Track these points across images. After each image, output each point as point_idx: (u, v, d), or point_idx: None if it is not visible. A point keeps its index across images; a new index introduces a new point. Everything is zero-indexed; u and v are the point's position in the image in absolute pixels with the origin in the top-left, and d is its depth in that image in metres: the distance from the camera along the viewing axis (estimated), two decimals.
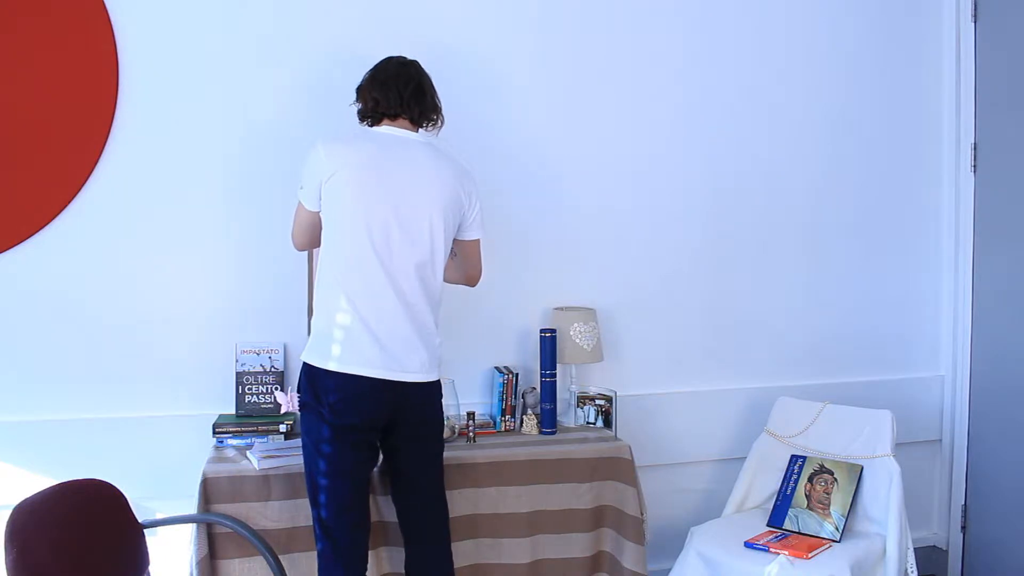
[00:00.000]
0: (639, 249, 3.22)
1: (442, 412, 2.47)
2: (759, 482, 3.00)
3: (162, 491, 2.69)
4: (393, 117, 2.40)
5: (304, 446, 2.33)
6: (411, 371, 2.31)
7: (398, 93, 2.38)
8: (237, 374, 2.82)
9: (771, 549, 2.58)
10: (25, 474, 2.66)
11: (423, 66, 2.47)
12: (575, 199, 3.14)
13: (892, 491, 2.72)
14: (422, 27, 2.92)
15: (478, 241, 2.53)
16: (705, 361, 3.33)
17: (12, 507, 2.00)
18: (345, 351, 2.25)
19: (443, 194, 2.36)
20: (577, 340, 2.97)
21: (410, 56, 2.48)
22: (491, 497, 2.66)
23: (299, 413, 2.37)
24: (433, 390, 2.41)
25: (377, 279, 2.27)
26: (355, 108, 2.48)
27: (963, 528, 3.44)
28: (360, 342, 2.25)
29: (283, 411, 2.76)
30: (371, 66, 2.46)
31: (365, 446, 2.33)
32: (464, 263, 2.57)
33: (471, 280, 2.63)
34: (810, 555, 2.53)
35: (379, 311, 2.27)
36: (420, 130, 2.44)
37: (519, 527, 2.67)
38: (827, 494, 2.80)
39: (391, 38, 2.88)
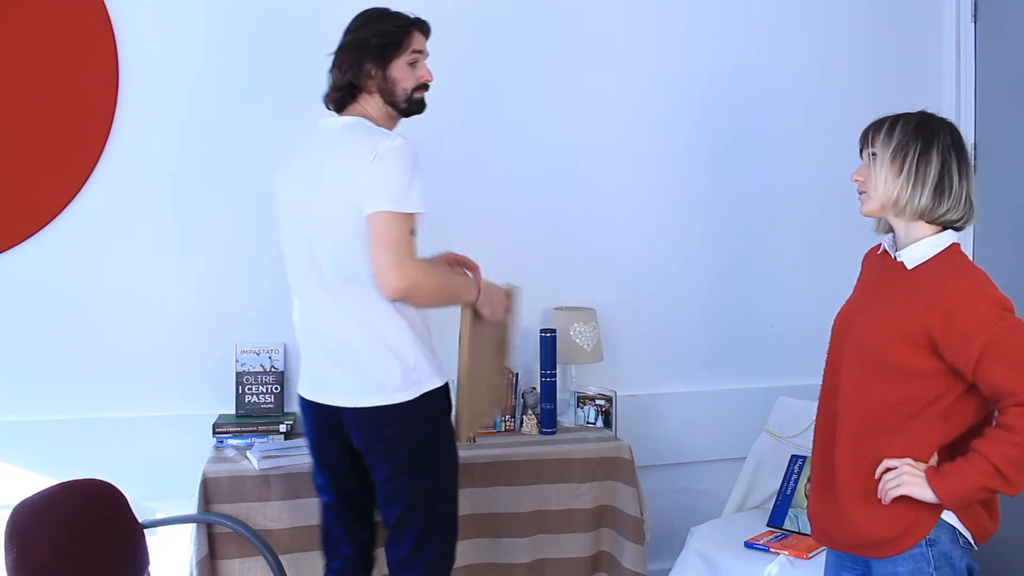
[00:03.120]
0: (639, 249, 3.22)
1: (400, 443, 2.03)
2: (759, 482, 3.00)
3: (162, 491, 2.69)
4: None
5: None
6: (332, 394, 2.07)
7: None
8: (237, 374, 2.82)
9: (771, 549, 2.58)
10: (25, 474, 2.66)
11: None
12: (575, 199, 3.14)
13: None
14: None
15: (380, 216, 1.91)
16: (705, 361, 3.32)
17: (12, 507, 2.00)
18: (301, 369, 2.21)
19: (344, 189, 1.97)
20: (577, 340, 2.97)
21: None
22: (491, 497, 2.66)
23: None
24: (376, 417, 2.02)
25: (297, 304, 2.17)
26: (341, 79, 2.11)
27: None
28: (303, 361, 2.19)
29: None
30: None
31: (328, 461, 2.17)
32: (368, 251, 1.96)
33: (375, 278, 1.93)
34: (810, 555, 2.53)
35: (301, 334, 2.18)
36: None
37: (519, 527, 2.67)
38: None
39: None
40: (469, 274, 2.26)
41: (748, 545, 2.62)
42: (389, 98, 2.09)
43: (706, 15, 3.24)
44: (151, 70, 2.75)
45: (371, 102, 2.10)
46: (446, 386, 2.10)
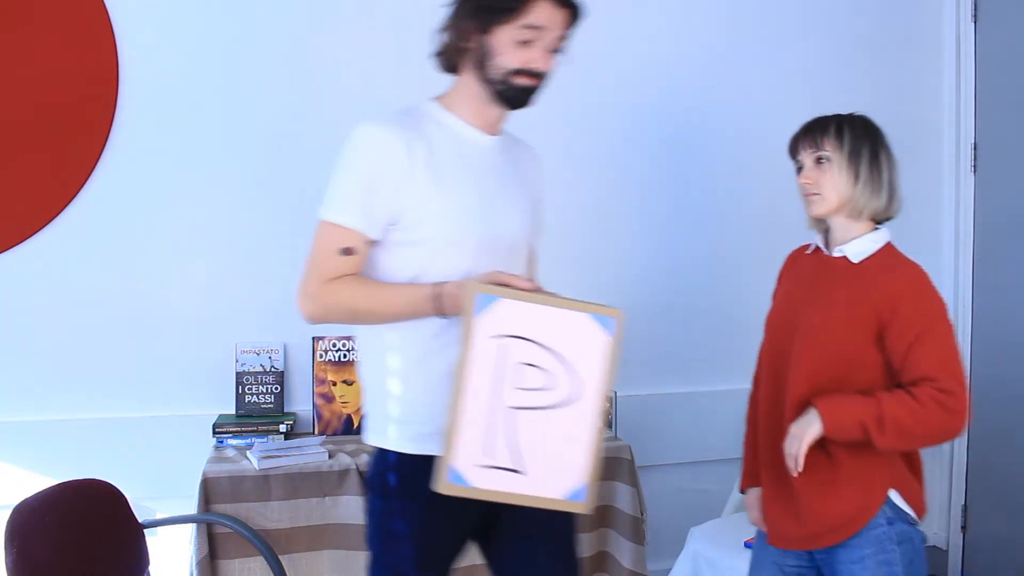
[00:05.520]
0: (639, 249, 3.22)
1: (367, 499, 1.75)
2: None
3: (162, 491, 2.69)
4: None
5: None
6: None
7: None
8: (237, 374, 2.82)
9: None
10: (25, 474, 2.66)
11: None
12: (575, 199, 3.13)
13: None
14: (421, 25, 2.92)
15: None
16: (705, 361, 3.32)
17: (12, 507, 2.00)
18: None
19: None
20: None
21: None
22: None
23: None
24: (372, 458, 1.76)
25: None
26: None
27: (963, 528, 3.44)
28: None
29: None
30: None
31: None
32: None
33: None
34: None
35: None
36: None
37: None
38: None
39: (394, 40, 2.88)
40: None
41: (748, 545, 2.62)
42: (482, 73, 1.65)
43: (706, 16, 3.24)
44: (151, 70, 2.74)
45: (467, 74, 1.70)
46: (427, 463, 1.57)
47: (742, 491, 2.22)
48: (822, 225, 1.96)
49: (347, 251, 1.61)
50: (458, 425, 1.48)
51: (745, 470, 2.19)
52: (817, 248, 1.98)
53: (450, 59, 1.71)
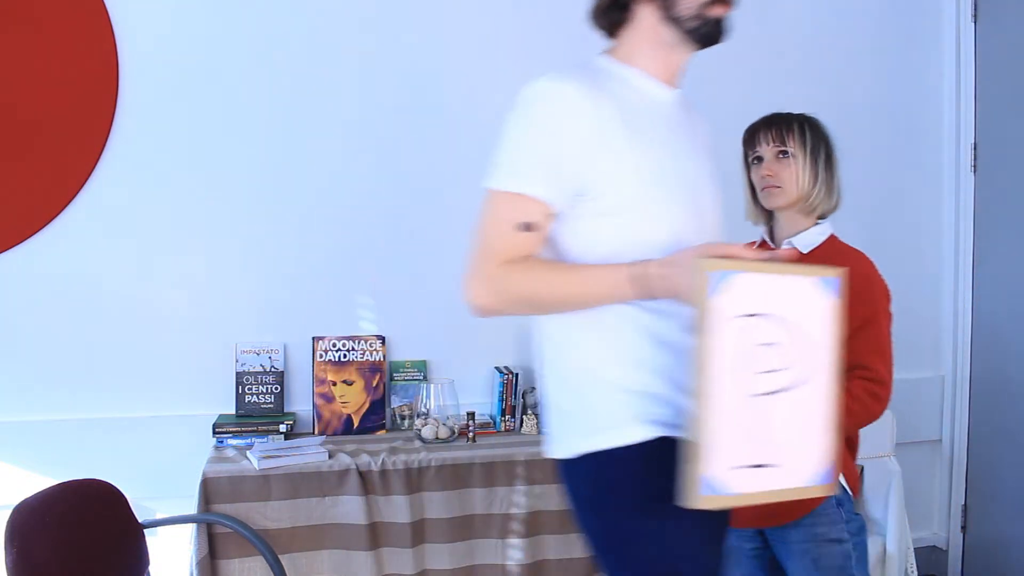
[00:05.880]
0: None
1: (581, 509, 1.57)
2: None
3: (162, 491, 2.69)
4: None
5: None
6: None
7: None
8: (237, 374, 2.82)
9: None
10: (25, 474, 2.66)
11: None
12: None
13: (892, 491, 2.73)
14: (420, 25, 2.92)
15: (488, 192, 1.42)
16: None
17: (12, 507, 2.00)
18: None
19: None
20: None
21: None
22: (490, 497, 2.66)
23: None
24: (565, 472, 1.52)
25: None
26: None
27: (963, 528, 3.44)
28: None
29: None
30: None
31: None
32: None
33: None
34: None
35: None
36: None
37: (519, 527, 2.67)
38: None
39: (392, 40, 2.88)
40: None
41: None
42: (669, 11, 1.46)
43: None
44: (151, 70, 2.75)
45: (643, 17, 1.49)
46: (666, 444, 1.36)
47: None
48: (763, 217, 2.03)
49: (528, 226, 1.36)
50: (707, 428, 1.27)
51: None
52: (764, 242, 2.03)
53: (618, 10, 1.51)
